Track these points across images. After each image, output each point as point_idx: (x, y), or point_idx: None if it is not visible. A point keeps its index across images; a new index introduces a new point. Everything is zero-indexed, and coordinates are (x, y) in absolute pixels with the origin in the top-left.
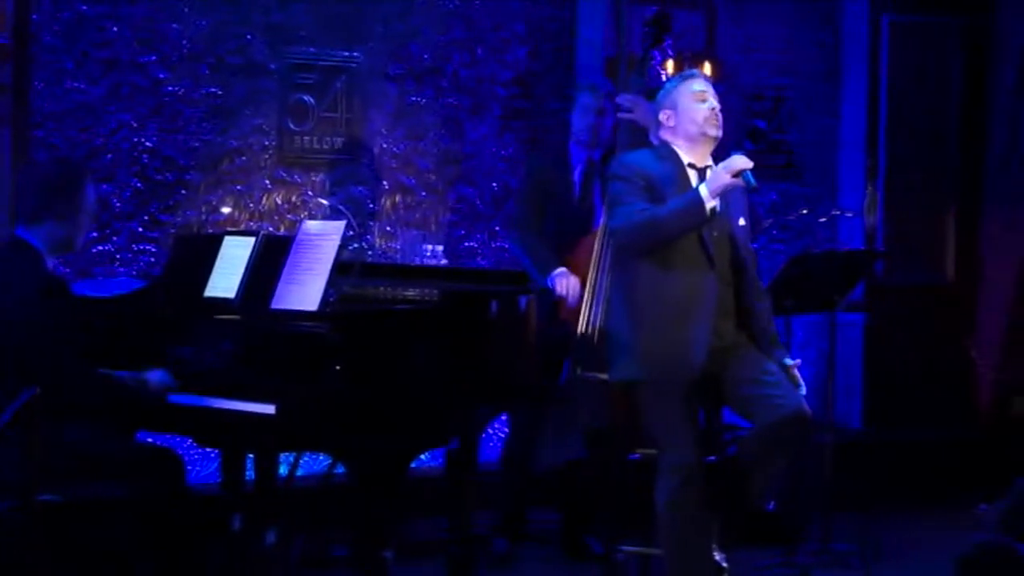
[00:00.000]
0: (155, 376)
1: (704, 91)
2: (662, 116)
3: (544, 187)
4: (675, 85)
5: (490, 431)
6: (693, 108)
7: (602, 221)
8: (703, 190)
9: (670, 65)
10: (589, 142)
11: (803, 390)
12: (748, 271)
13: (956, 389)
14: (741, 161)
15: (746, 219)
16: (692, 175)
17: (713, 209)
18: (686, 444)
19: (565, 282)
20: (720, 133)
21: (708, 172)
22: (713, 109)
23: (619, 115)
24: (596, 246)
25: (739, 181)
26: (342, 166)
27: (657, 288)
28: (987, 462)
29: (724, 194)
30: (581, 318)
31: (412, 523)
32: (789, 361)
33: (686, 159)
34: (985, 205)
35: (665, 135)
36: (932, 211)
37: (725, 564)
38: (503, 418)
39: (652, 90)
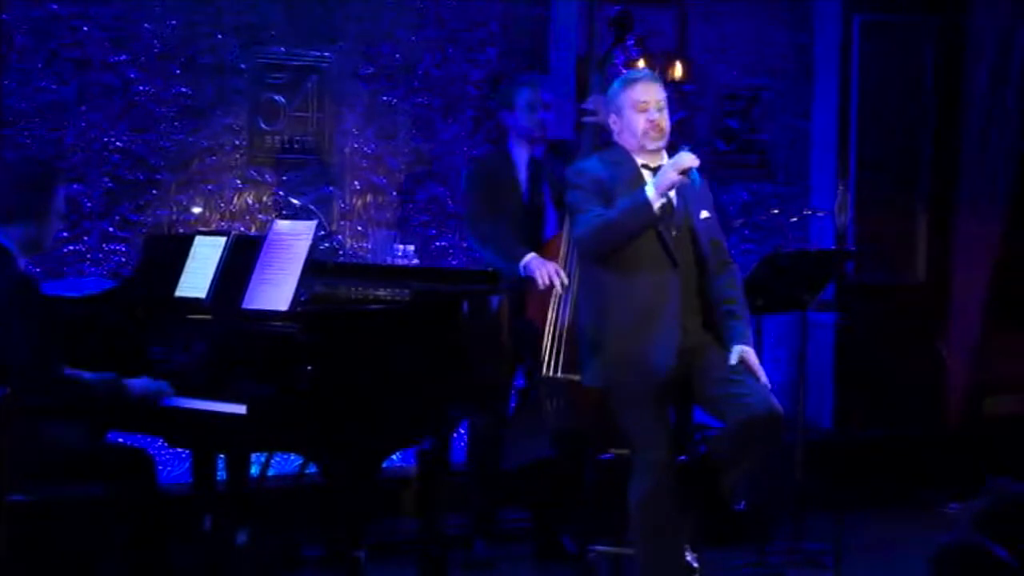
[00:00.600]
0: (138, 384)
1: (645, 101)
2: (611, 120)
3: (492, 189)
4: (618, 90)
5: (462, 431)
6: (633, 118)
7: (566, 222)
8: (649, 190)
9: (640, 65)
10: (538, 138)
11: (764, 379)
12: (711, 264)
13: (927, 389)
14: (688, 159)
15: (711, 211)
16: (647, 175)
17: (664, 207)
18: (658, 444)
19: (543, 269)
20: (661, 144)
21: None
22: (652, 121)
23: (584, 119)
24: (562, 248)
25: (685, 179)
26: (313, 166)
27: (621, 291)
28: (958, 462)
29: (682, 192)
30: (548, 318)
31: (385, 523)
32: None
33: (639, 160)
34: (957, 205)
35: (616, 139)
36: (904, 211)
37: (697, 564)
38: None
39: None
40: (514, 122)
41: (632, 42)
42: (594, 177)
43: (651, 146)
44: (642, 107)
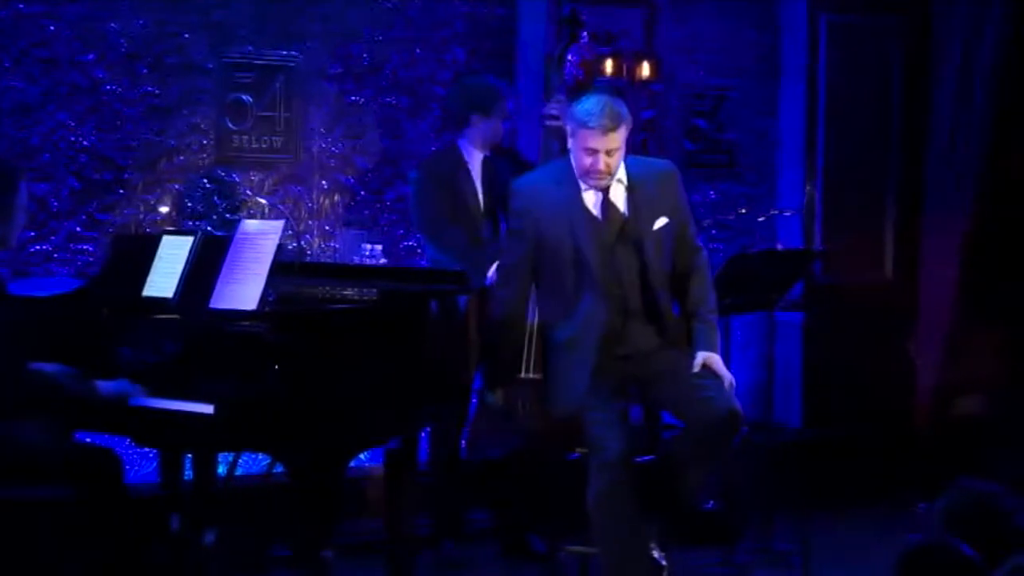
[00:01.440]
0: (108, 387)
1: (595, 148)
2: (568, 142)
3: (446, 190)
4: (576, 122)
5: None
6: (580, 156)
7: None
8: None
9: (608, 64)
10: (500, 142)
11: (729, 379)
12: (655, 278)
13: (895, 388)
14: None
15: (672, 214)
16: (590, 196)
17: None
18: (609, 444)
19: None
20: (606, 183)
21: (612, 189)
22: (596, 167)
23: (546, 123)
24: None
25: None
26: (281, 165)
27: (551, 318)
28: (926, 461)
29: (633, 202)
30: None
31: (353, 523)
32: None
33: (583, 184)
34: (924, 204)
35: (571, 155)
36: (871, 210)
37: (664, 563)
38: None
39: (579, 87)
40: (484, 127)
41: (586, 40)
42: (525, 206)
43: (591, 185)
44: (591, 152)
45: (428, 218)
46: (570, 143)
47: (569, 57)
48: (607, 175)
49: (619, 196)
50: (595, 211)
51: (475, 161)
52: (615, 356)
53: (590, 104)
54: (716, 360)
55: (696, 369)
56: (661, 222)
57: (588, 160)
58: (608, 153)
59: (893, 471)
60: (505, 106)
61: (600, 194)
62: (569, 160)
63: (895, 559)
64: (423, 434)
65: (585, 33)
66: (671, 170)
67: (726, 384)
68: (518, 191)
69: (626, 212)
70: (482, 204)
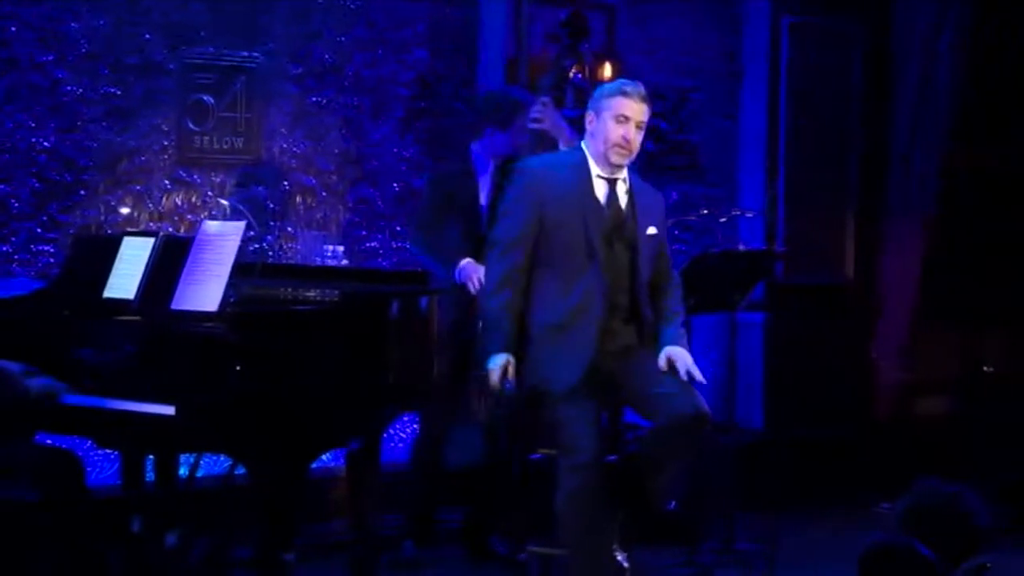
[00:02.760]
0: (36, 383)
1: (628, 115)
2: (587, 118)
3: (450, 198)
4: (606, 93)
5: (392, 432)
6: (609, 127)
7: None
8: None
9: (574, 69)
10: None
11: (697, 375)
12: (643, 278)
13: (857, 388)
14: (492, 383)
15: (659, 227)
16: (599, 185)
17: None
18: (584, 445)
19: (473, 276)
20: (624, 162)
21: (618, 184)
22: (626, 137)
23: (529, 125)
24: None
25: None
26: (242, 166)
27: (547, 297)
28: (887, 462)
29: (633, 204)
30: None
31: (315, 524)
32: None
33: (595, 170)
34: (885, 205)
35: (584, 138)
36: (832, 211)
37: (627, 564)
38: (406, 419)
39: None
40: (500, 140)
41: (585, 46)
42: (532, 182)
43: (614, 160)
44: (622, 120)
45: (420, 221)
46: (593, 124)
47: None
48: (630, 151)
49: (623, 194)
50: (602, 201)
51: (485, 171)
52: (604, 351)
53: (620, 81)
54: (680, 354)
55: (662, 365)
56: (652, 230)
57: (620, 130)
58: (638, 126)
59: (855, 471)
60: (525, 120)
61: (608, 187)
62: (580, 149)
63: (858, 559)
64: (394, 434)
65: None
66: (660, 195)
67: (696, 380)
68: (525, 169)
69: (626, 211)
70: (484, 215)
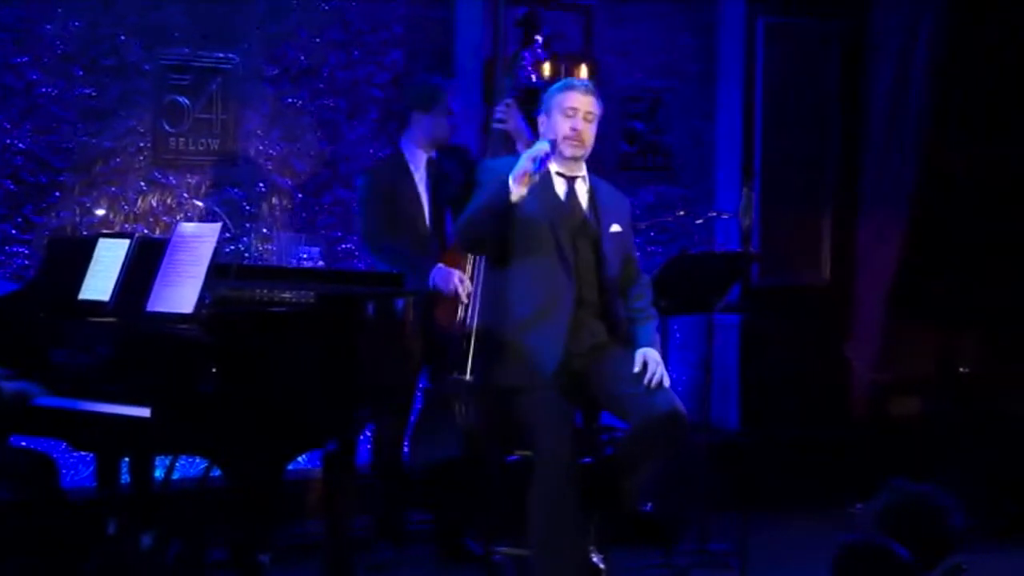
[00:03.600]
0: (10, 386)
1: (575, 108)
2: (539, 120)
3: (390, 199)
4: (553, 92)
5: (367, 433)
6: (559, 122)
7: None
8: (510, 178)
9: (546, 67)
10: (441, 142)
11: (666, 381)
12: (611, 274)
13: (832, 389)
14: (540, 149)
15: (624, 225)
16: (559, 183)
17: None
18: (558, 445)
19: (450, 280)
20: (579, 154)
21: (578, 183)
22: (575, 129)
23: (493, 125)
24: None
25: (531, 167)
26: (218, 168)
27: (519, 293)
28: (862, 462)
29: (595, 203)
30: (460, 321)
31: (290, 525)
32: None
33: (554, 168)
34: (861, 206)
35: (541, 139)
36: (808, 213)
37: (602, 565)
38: None
39: (528, 91)
40: (425, 124)
41: (540, 43)
42: (501, 177)
43: (568, 153)
44: (570, 112)
45: (369, 232)
46: (545, 124)
47: (524, 59)
48: (584, 144)
49: (583, 192)
50: (562, 198)
51: (419, 163)
52: (576, 351)
53: (568, 78)
54: (653, 354)
55: (636, 368)
56: (616, 228)
57: (568, 123)
58: (586, 119)
59: (830, 472)
60: (447, 103)
61: (567, 185)
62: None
63: (832, 559)
64: (364, 436)
65: (539, 37)
66: (627, 199)
67: (657, 381)
68: (489, 167)
69: (587, 209)
70: (427, 209)
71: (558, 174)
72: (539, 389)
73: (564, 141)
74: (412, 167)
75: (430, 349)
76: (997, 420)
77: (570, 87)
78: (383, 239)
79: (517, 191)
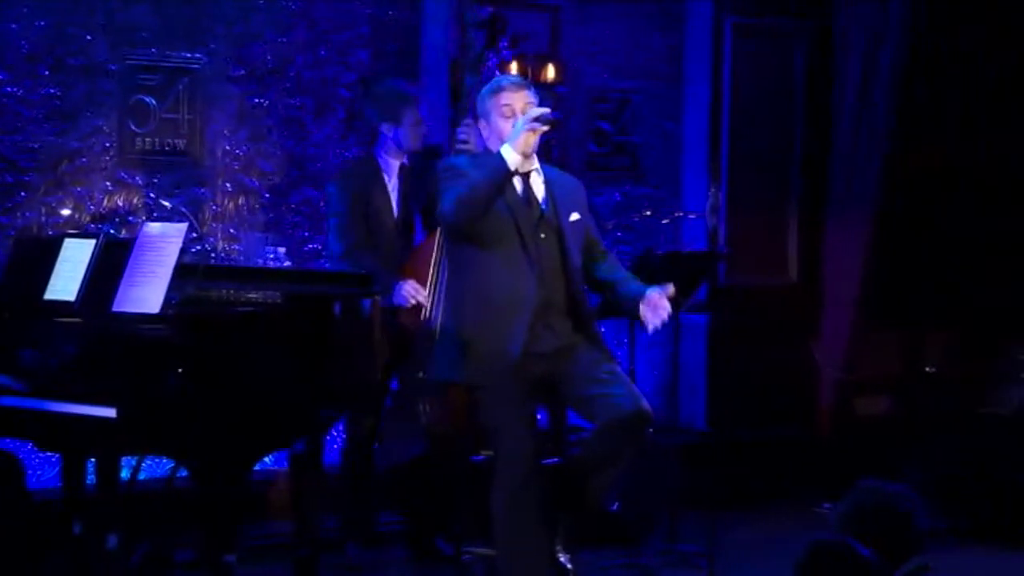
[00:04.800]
0: None
1: (510, 105)
2: (480, 126)
3: (362, 203)
4: (486, 96)
5: (335, 433)
6: (499, 124)
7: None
8: (505, 148)
9: (513, 67)
10: (414, 148)
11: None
12: (575, 268)
13: (799, 389)
14: (537, 110)
15: (583, 212)
16: (515, 181)
17: (534, 210)
18: (519, 445)
19: (408, 294)
20: (529, 151)
21: (532, 176)
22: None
23: (457, 147)
24: (435, 250)
25: (540, 126)
26: (184, 168)
27: (479, 291)
28: (829, 462)
29: (551, 194)
30: (422, 321)
31: (257, 526)
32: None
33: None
34: (827, 206)
35: (487, 144)
36: (775, 213)
37: (570, 565)
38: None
39: None
40: (397, 135)
41: (505, 44)
42: (462, 172)
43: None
44: (507, 112)
45: (344, 248)
46: (487, 129)
47: (489, 60)
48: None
49: (538, 186)
50: (520, 194)
51: (392, 171)
52: (540, 352)
53: (496, 78)
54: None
55: (669, 292)
56: (575, 216)
57: (510, 123)
58: (525, 113)
59: (797, 472)
60: (416, 113)
61: (522, 181)
62: (489, 152)
63: (796, 560)
64: (336, 436)
65: (505, 38)
66: (579, 182)
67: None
68: (450, 164)
69: (544, 202)
70: (396, 216)
71: (514, 172)
72: (499, 388)
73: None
74: (385, 175)
75: (397, 349)
76: (964, 420)
77: (500, 88)
78: (357, 252)
79: (515, 158)
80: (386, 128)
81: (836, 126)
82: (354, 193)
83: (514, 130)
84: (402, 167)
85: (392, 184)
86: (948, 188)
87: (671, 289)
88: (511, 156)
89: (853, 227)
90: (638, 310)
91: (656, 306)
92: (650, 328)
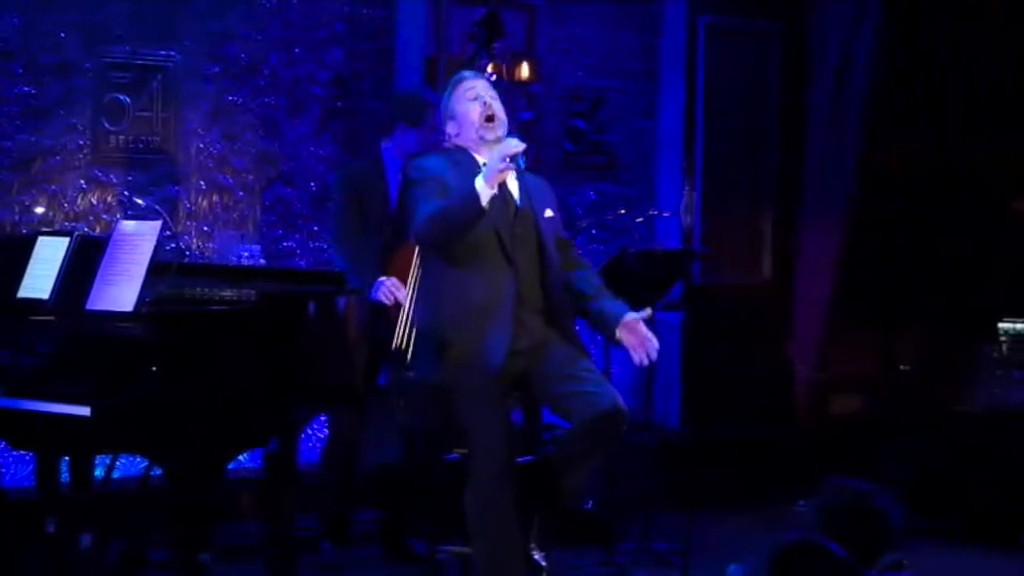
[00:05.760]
0: None
1: (473, 88)
2: (450, 129)
3: (361, 198)
4: (450, 88)
5: (310, 432)
6: (467, 110)
7: None
8: (479, 181)
9: (489, 68)
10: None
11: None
12: (558, 262)
13: (773, 387)
14: (512, 145)
15: (554, 210)
16: None
17: (508, 206)
18: (494, 444)
19: (386, 292)
20: (499, 134)
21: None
22: (486, 104)
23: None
24: (416, 251)
25: (511, 165)
26: (158, 166)
27: (456, 289)
28: (803, 460)
29: (526, 191)
30: (400, 321)
31: (232, 525)
32: (635, 316)
33: (480, 159)
34: (801, 205)
35: (457, 142)
36: (749, 211)
37: (544, 563)
38: (322, 419)
39: None
40: (410, 137)
41: (498, 45)
42: (434, 175)
43: (490, 136)
44: (471, 95)
45: (337, 229)
46: (455, 125)
47: (481, 58)
48: (500, 121)
49: (512, 183)
50: (495, 190)
51: (393, 169)
52: (515, 350)
53: (453, 76)
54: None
55: (646, 315)
56: (549, 213)
57: (479, 108)
58: (489, 95)
59: (771, 470)
60: (434, 119)
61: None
62: (461, 149)
63: (768, 558)
64: (312, 434)
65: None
66: (546, 181)
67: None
68: (420, 166)
69: (519, 197)
70: (393, 212)
71: (484, 165)
72: (476, 388)
73: (482, 125)
74: (388, 173)
75: (378, 348)
76: (937, 418)
77: (460, 79)
78: (349, 241)
79: (488, 193)
80: (402, 128)
81: (810, 125)
82: (354, 184)
83: (488, 166)
84: (404, 167)
85: (394, 183)
86: (921, 187)
87: (649, 313)
88: (485, 192)
89: (827, 226)
90: (614, 333)
91: (641, 338)
92: (637, 361)
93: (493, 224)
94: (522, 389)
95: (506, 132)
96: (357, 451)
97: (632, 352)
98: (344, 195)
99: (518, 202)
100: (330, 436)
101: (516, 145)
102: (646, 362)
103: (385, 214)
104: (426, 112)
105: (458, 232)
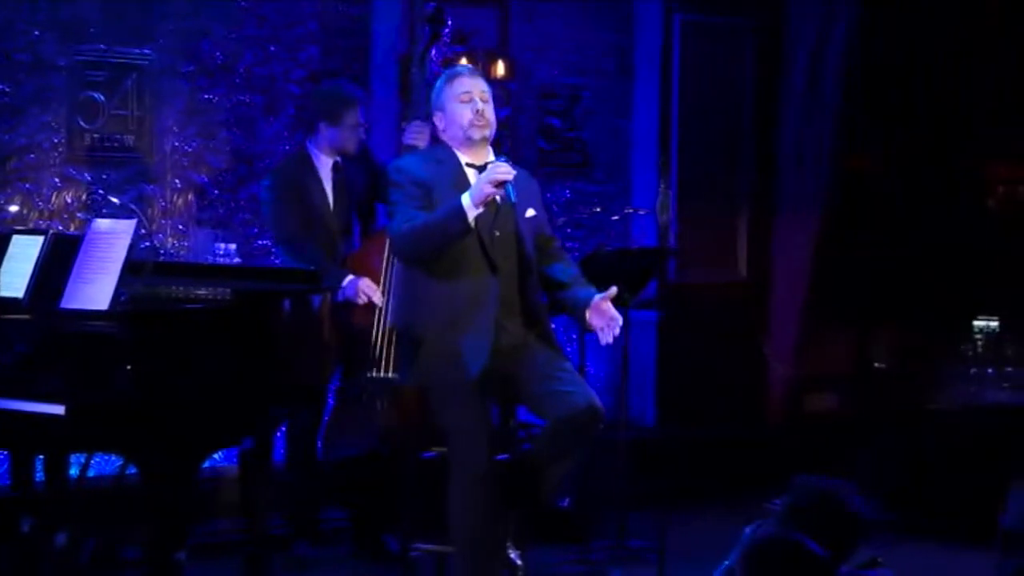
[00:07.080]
0: None
1: (468, 91)
2: (435, 119)
3: (297, 198)
4: (442, 86)
5: (284, 430)
6: (457, 111)
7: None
8: (465, 199)
9: (463, 61)
10: (352, 151)
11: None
12: (532, 267)
13: (748, 386)
14: (503, 171)
15: (537, 208)
16: (471, 174)
17: (487, 210)
18: (475, 443)
19: (361, 291)
20: (487, 134)
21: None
22: (478, 111)
23: (405, 141)
24: (387, 248)
25: (500, 191)
26: (133, 164)
27: (439, 292)
28: (778, 458)
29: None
30: (375, 320)
31: (207, 523)
32: (601, 295)
33: (464, 159)
34: (776, 204)
35: (441, 136)
36: (724, 210)
37: (520, 562)
38: None
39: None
40: (333, 136)
41: (448, 38)
42: (414, 177)
43: (477, 136)
44: (465, 98)
45: (284, 236)
46: (443, 119)
47: (432, 55)
48: (488, 124)
49: None
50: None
51: (324, 167)
52: (494, 350)
53: (449, 68)
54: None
55: (612, 293)
56: (530, 212)
57: (467, 108)
58: (482, 99)
59: (746, 468)
60: (356, 116)
61: (478, 174)
62: (444, 145)
63: (741, 555)
64: (279, 433)
65: (447, 31)
66: (532, 176)
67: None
68: (400, 167)
69: (501, 197)
70: (333, 210)
71: (468, 165)
72: (459, 391)
73: (470, 127)
74: (319, 170)
75: (343, 347)
76: (911, 415)
77: (456, 75)
78: (296, 241)
79: (475, 212)
80: (323, 127)
81: (785, 124)
82: (290, 185)
83: (476, 187)
84: (335, 165)
85: (326, 179)
86: (895, 185)
87: (614, 291)
88: (472, 211)
89: (802, 224)
90: (584, 317)
91: (607, 318)
92: (603, 342)
93: (476, 225)
94: (500, 388)
95: (494, 134)
96: (315, 447)
97: (600, 334)
98: (282, 196)
99: (500, 202)
100: (288, 436)
101: (506, 172)
102: (602, 342)
103: (325, 211)
104: (345, 110)
105: (441, 248)
